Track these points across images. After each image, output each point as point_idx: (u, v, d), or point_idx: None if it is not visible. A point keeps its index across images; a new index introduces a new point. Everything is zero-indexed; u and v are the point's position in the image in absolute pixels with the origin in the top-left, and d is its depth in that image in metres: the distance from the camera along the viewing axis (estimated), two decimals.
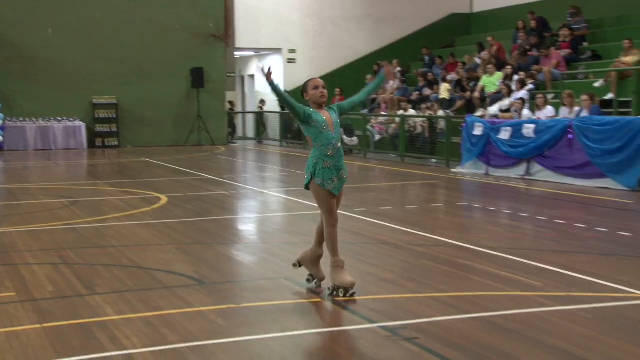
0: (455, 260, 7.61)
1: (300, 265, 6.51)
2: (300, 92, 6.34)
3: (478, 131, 15.79)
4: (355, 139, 21.59)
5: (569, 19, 20.15)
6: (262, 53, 28.50)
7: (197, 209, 11.36)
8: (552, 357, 4.74)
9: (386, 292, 6.37)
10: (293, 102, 6.11)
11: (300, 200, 11.92)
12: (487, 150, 15.53)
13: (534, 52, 19.53)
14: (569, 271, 6.97)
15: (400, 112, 20.51)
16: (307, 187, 6.21)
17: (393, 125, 20.24)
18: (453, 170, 16.33)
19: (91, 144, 24.41)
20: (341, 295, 5.98)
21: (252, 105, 29.57)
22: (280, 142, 25.91)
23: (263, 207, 12.18)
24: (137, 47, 24.54)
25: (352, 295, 5.98)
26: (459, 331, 5.25)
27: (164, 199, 12.14)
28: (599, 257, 7.80)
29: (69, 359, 4.79)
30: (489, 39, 21.82)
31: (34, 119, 23.87)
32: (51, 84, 23.84)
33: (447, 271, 7.15)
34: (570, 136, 13.61)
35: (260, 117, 28.08)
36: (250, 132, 28.92)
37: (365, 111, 22.95)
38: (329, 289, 6.09)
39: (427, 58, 24.36)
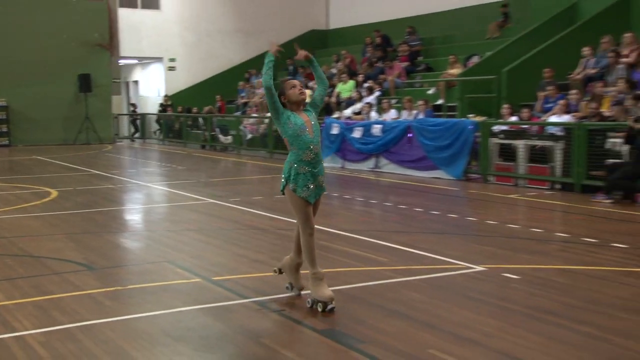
0: (316, 241, 7.65)
1: (281, 272, 5.58)
2: (277, 95, 5.14)
3: (335, 130, 16.06)
4: (230, 137, 21.48)
5: (407, 37, 20.79)
6: (145, 62, 27.78)
7: (86, 201, 10.93)
8: (395, 319, 4.90)
9: (257, 271, 6.37)
10: (275, 93, 5.06)
11: (181, 192, 11.73)
12: (343, 147, 15.82)
13: (380, 64, 20.05)
14: (409, 248, 7.22)
15: (269, 114, 20.52)
16: (282, 192, 5.23)
17: (262, 126, 20.25)
18: None
19: None
20: (320, 309, 5.00)
21: (138, 108, 28.76)
22: (162, 141, 25.37)
23: (147, 199, 11.88)
24: (28, 53, 23.26)
25: (331, 310, 4.98)
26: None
27: (54, 193, 11.61)
28: (433, 235, 8.12)
29: None
30: (343, 52, 22.21)
31: None
32: None
33: None
34: (410, 135, 14.07)
35: (131, 119, 27.55)
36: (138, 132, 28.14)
37: (238, 113, 22.83)
38: (307, 301, 5.15)
39: (291, 68, 24.48)
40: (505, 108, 13.31)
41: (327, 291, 5.04)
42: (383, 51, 20.93)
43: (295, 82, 5.19)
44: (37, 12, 23.65)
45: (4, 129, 23.42)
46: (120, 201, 11.71)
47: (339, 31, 27.38)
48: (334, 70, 21.40)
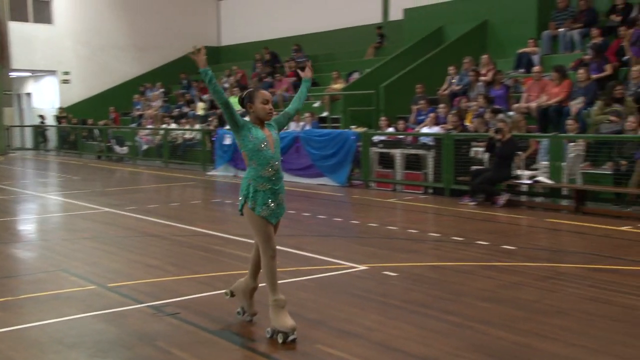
0: (210, 246, 7.60)
1: (232, 295, 4.90)
2: (241, 100, 4.60)
3: (227, 141, 15.91)
4: (125, 148, 20.79)
5: (294, 54, 20.95)
6: (38, 74, 26.40)
7: None
8: None
9: (152, 277, 6.19)
10: (233, 107, 4.46)
11: (76, 202, 11.23)
12: (235, 157, 15.69)
13: (269, 79, 20.07)
14: (298, 250, 7.24)
15: (164, 125, 20.09)
16: (241, 212, 4.54)
17: (158, 137, 19.75)
18: (208, 173, 16.30)
19: None
20: (280, 340, 4.32)
21: (29, 120, 27.26)
22: (58, 152, 24.20)
23: (42, 209, 11.27)
24: None
25: (292, 341, 4.32)
26: (214, 304, 5.26)
27: None
28: (320, 238, 8.20)
29: None
30: (234, 67, 22.07)
31: None
32: None
33: (204, 255, 7.12)
34: (297, 144, 14.16)
35: (39, 130, 26.04)
36: (29, 143, 26.64)
37: (134, 125, 22.16)
38: (267, 331, 4.45)
39: (185, 81, 24.05)
40: (382, 120, 13.66)
41: (288, 321, 4.36)
42: (272, 67, 20.99)
43: (268, 96, 4.57)
44: None
45: None
46: (13, 212, 11.03)
47: (230, 48, 27.20)
48: (226, 85, 21.22)
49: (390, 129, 13.34)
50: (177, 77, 25.10)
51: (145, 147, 20.16)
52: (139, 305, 5.24)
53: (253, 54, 22.41)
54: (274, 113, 4.62)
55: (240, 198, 4.54)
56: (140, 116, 22.73)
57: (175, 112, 21.49)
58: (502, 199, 10.29)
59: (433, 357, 4.09)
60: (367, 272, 6.28)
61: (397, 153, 12.58)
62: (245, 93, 4.63)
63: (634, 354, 4.13)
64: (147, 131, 20.60)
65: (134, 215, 9.81)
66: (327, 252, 7.14)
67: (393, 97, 15.28)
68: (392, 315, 4.97)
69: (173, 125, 20.07)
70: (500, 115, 11.48)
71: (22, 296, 5.57)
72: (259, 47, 22.65)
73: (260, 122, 4.54)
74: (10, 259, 7.29)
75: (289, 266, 6.51)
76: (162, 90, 23.65)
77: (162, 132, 19.44)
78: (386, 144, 12.96)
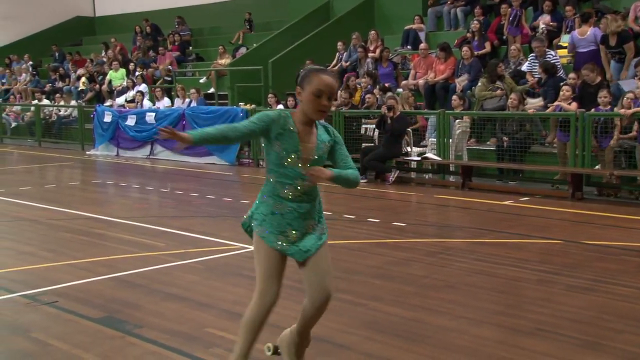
0: (91, 230, 7.32)
1: (276, 352, 3.61)
2: (296, 78, 3.23)
3: (108, 118, 15.36)
4: None
5: (177, 27, 20.43)
6: None
7: None
8: (171, 302, 4.82)
9: (26, 264, 5.90)
10: (246, 131, 3.19)
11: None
12: (117, 135, 15.19)
13: (151, 53, 19.47)
14: (186, 232, 7.14)
15: (35, 101, 19.04)
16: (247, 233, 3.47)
17: (28, 114, 18.70)
18: (87, 152, 15.67)
19: None
20: None
21: None
22: None
23: None
24: None
25: None
26: (95, 291, 5.10)
27: None
28: (208, 219, 8.11)
29: None
30: (112, 39, 21.21)
31: None
32: None
33: (84, 240, 6.86)
34: (184, 122, 13.88)
35: None
36: None
37: None
38: None
39: (57, 54, 22.84)
40: (271, 97, 13.63)
41: None
42: (154, 40, 20.33)
43: (329, 87, 3.15)
44: None
45: None
46: None
47: (107, 18, 26.04)
48: (104, 58, 20.38)
49: (280, 106, 13.35)
50: (47, 49, 23.79)
51: (13, 124, 19.04)
52: (10, 295, 4.98)
53: (132, 26, 21.59)
54: (327, 111, 3.21)
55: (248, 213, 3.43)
56: (7, 91, 21.41)
57: (48, 87, 20.41)
58: (392, 176, 10.60)
59: (326, 336, 4.17)
60: None
61: None
62: (303, 71, 3.25)
63: (516, 322, 4.40)
64: (15, 107, 19.45)
65: (4, 198, 9.29)
66: (216, 232, 7.09)
67: (281, 73, 15.25)
68: (283, 295, 4.98)
69: (45, 101, 19.07)
70: (389, 93, 11.78)
71: None
72: (139, 18, 21.89)
73: (306, 120, 3.24)
74: None
75: (176, 249, 6.42)
76: (30, 63, 22.32)
77: (33, 108, 18.42)
78: None
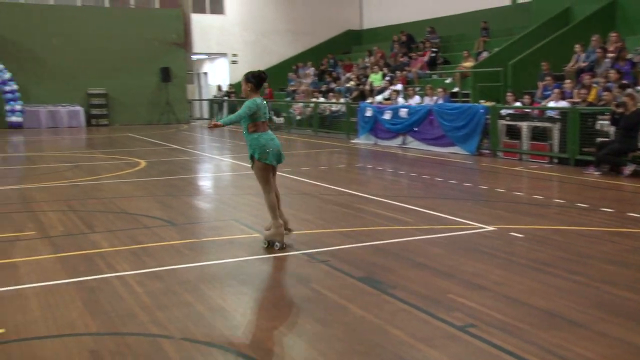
0: (353, 204, 7.67)
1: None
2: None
3: (369, 113, 15.89)
4: (282, 118, 21.43)
5: (428, 35, 20.35)
6: (212, 57, 27.82)
7: (167, 170, 11.07)
8: (419, 270, 4.86)
9: (306, 228, 6.36)
10: (243, 114, 5.27)
11: (242, 163, 11.78)
12: (376, 127, 15.66)
13: (405, 59, 19.69)
14: (431, 211, 7.14)
15: (314, 99, 20.46)
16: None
17: (308, 109, 20.16)
18: (351, 141, 16.42)
19: (88, 123, 23.46)
20: (277, 247, 5.43)
21: (206, 94, 28.89)
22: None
23: (216, 169, 11.97)
24: (120, 51, 23.66)
25: (281, 247, 5.42)
26: (357, 254, 5.32)
27: (143, 163, 11.79)
28: (451, 201, 8.01)
29: (76, 279, 4.64)
30: (375, 48, 21.88)
31: (45, 105, 22.80)
32: (57, 78, 22.88)
33: (348, 212, 7.19)
34: (431, 117, 13.85)
35: (215, 102, 27.47)
36: (206, 114, 28.26)
37: (288, 99, 22.76)
38: (264, 242, 5.56)
39: (331, 61, 24.24)
40: (509, 95, 12.97)
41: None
42: (408, 47, 20.55)
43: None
44: (128, 20, 24.00)
45: (105, 112, 23.93)
46: (195, 170, 11.82)
47: (371, 31, 26.92)
48: (367, 63, 21.13)
49: (517, 104, 12.65)
50: (324, 57, 25.39)
51: (298, 117, 20.65)
52: (295, 253, 5.43)
53: (391, 36, 22.05)
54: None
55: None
56: (294, 91, 23.28)
57: (323, 87, 21.78)
58: (628, 169, 9.46)
59: (557, 312, 3.89)
60: (494, 233, 6.06)
61: (524, 125, 11.91)
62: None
63: None
64: (299, 104, 21.08)
65: (290, 176, 10.12)
66: (457, 213, 6.97)
67: (520, 74, 14.43)
68: (517, 271, 4.77)
69: (321, 99, 20.37)
70: (628, 90, 10.48)
71: (204, 239, 5.98)
72: (397, 30, 22.23)
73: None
74: (194, 209, 7.84)
75: (423, 224, 6.45)
76: (312, 68, 24.04)
77: (312, 105, 19.81)
78: (513, 117, 12.31)
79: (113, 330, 3.69)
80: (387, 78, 18.40)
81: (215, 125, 5.34)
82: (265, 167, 5.32)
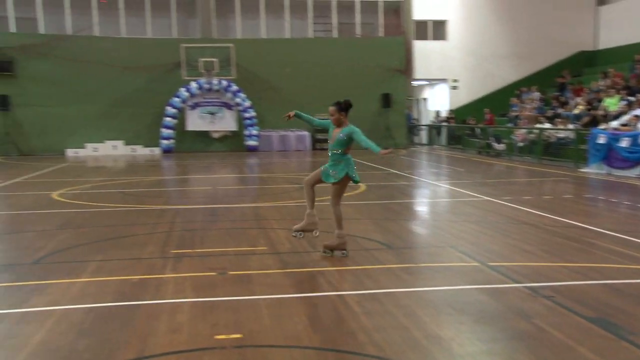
0: (581, 238, 7.07)
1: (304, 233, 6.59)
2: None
3: (601, 140, 14.54)
4: (503, 145, 20.66)
5: None
6: (432, 82, 28.02)
7: (385, 194, 11.38)
8: None
9: (527, 260, 6.06)
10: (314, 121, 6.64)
11: (461, 190, 11.60)
12: (609, 155, 14.26)
13: None
14: None
15: (538, 125, 19.36)
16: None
17: (532, 135, 19.12)
18: (580, 170, 15.15)
19: (313, 147, 25.23)
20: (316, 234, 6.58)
21: (425, 120, 29.11)
22: (446, 147, 25.33)
23: (433, 194, 11.96)
24: (343, 79, 24.91)
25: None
26: (587, 293, 4.90)
27: (363, 187, 12.28)
28: None
29: (302, 294, 5.00)
30: (611, 69, 19.95)
31: (277, 130, 25.09)
32: (287, 106, 24.92)
33: (575, 246, 6.67)
34: None
35: (434, 127, 27.57)
36: (424, 139, 28.43)
37: (510, 124, 21.87)
38: (298, 234, 6.56)
39: (560, 84, 22.73)
40: None
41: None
42: None
43: (330, 112, 6.42)
44: (353, 49, 25.29)
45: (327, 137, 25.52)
46: (412, 195, 11.95)
47: (607, 51, 24.67)
48: (601, 86, 19.36)
49: None
50: (551, 81, 23.92)
51: (520, 144, 19.71)
52: (516, 285, 5.18)
53: (631, 56, 19.90)
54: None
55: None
56: (516, 117, 22.30)
57: (549, 112, 20.49)
58: None
59: None
60: None
61: None
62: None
63: None
64: (522, 130, 20.11)
65: (510, 204, 9.70)
66: None
67: None
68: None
69: (547, 125, 19.18)
70: None
71: (421, 264, 6.02)
72: (638, 49, 20.02)
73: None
74: (411, 233, 7.94)
75: None
76: (537, 93, 22.81)
77: (536, 131, 18.75)
78: None
79: (334, 346, 3.90)
80: (625, 102, 16.63)
81: (390, 152, 6.04)
82: (347, 183, 6.24)
